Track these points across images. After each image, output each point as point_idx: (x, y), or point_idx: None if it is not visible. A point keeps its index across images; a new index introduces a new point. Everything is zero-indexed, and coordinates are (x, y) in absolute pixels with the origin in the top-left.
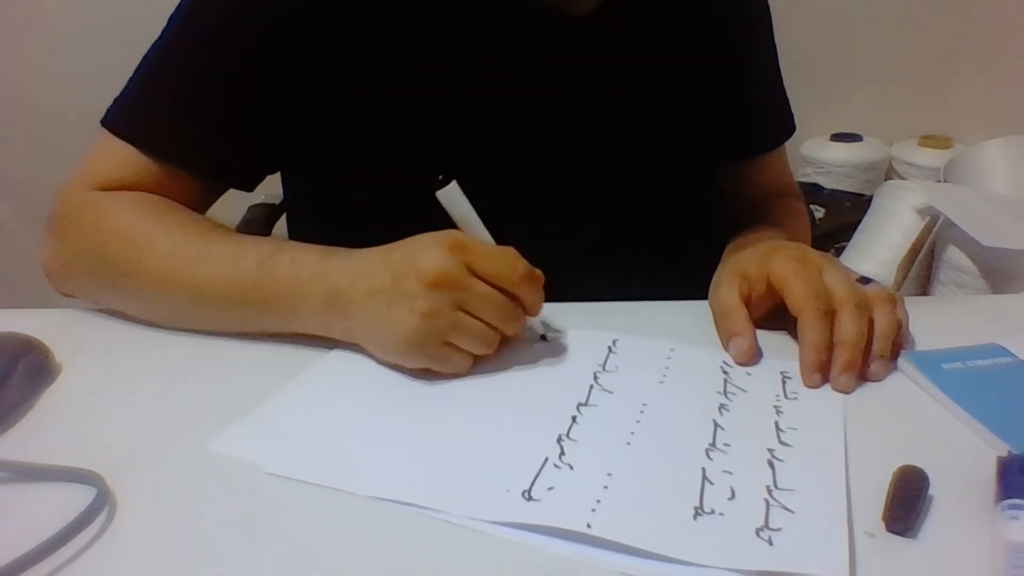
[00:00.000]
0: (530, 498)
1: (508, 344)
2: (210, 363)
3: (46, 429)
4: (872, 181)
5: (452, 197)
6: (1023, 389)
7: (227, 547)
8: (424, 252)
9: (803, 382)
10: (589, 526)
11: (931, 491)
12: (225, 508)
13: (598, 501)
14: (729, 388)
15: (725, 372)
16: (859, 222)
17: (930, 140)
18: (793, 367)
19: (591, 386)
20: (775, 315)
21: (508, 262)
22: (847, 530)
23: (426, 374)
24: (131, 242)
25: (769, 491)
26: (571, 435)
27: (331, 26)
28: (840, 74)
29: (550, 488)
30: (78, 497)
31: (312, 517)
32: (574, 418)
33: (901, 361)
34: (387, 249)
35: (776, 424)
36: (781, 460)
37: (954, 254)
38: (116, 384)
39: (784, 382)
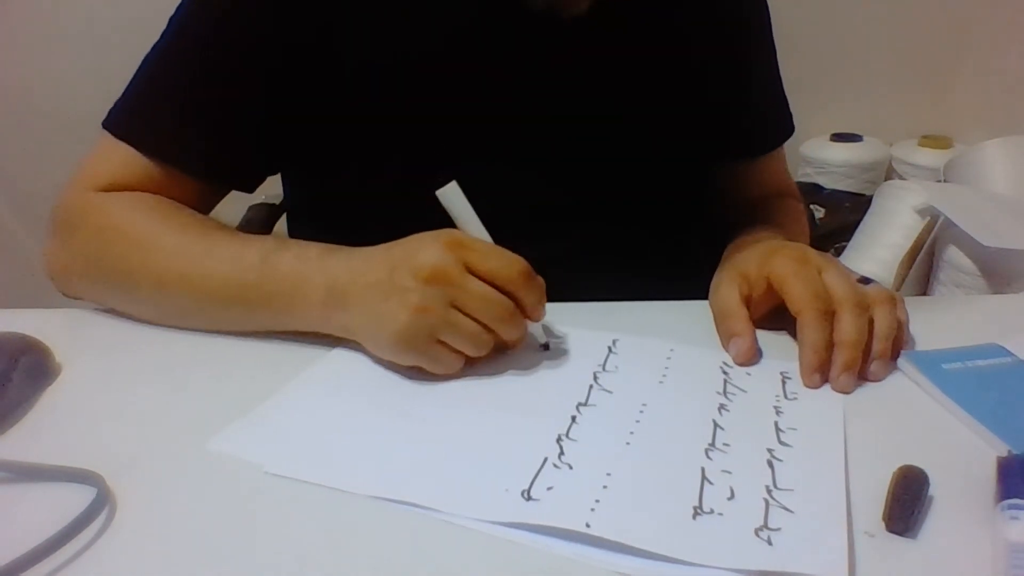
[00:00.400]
0: (529, 498)
1: (508, 352)
2: (210, 363)
3: (46, 429)
4: (872, 181)
5: (452, 197)
6: (1023, 389)
7: (227, 547)
8: (422, 248)
9: (803, 382)
10: (588, 526)
11: (931, 491)
12: (225, 508)
13: (597, 501)
14: (729, 388)
15: (725, 372)
16: (859, 222)
17: (930, 140)
18: (793, 367)
19: (591, 386)
20: (775, 315)
21: (506, 260)
22: (847, 530)
23: (424, 374)
24: (133, 242)
25: (769, 491)
26: (570, 435)
27: (329, 27)
28: (840, 74)
29: (549, 488)
30: (78, 497)
31: (312, 517)
32: (573, 418)
33: (901, 361)
34: (389, 246)
35: (776, 424)
36: (781, 460)
37: (954, 254)
38: (116, 384)
39: (784, 382)
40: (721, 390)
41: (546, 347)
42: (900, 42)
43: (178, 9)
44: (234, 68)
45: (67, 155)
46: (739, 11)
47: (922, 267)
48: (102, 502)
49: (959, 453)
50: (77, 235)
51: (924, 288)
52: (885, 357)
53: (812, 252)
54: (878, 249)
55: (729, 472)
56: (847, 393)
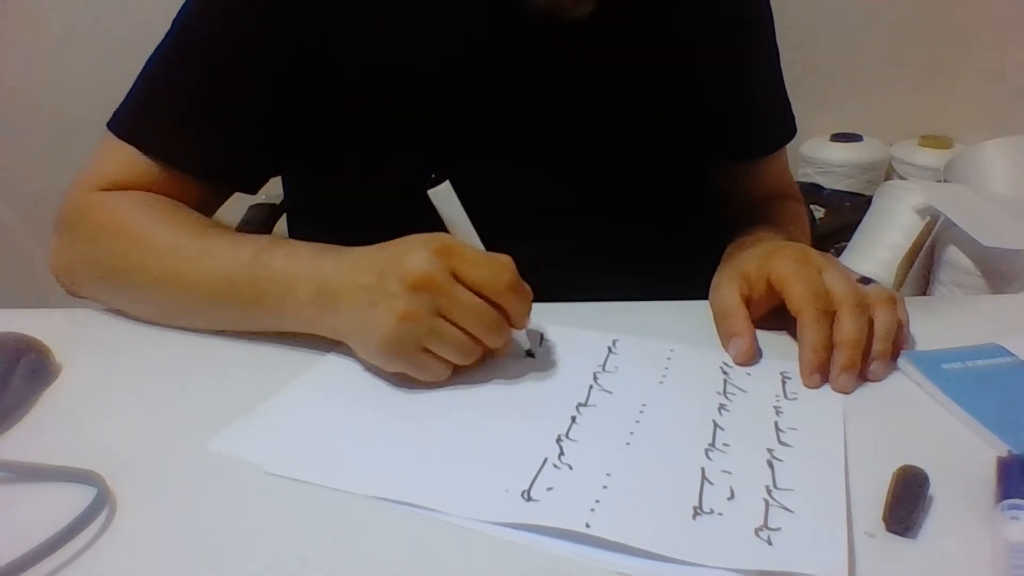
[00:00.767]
0: (529, 498)
1: (491, 359)
2: (210, 363)
3: (46, 429)
4: (872, 181)
5: (444, 197)
6: (1023, 389)
7: (227, 547)
8: (410, 253)
9: (803, 382)
10: (588, 526)
11: (931, 491)
12: (225, 508)
13: (597, 501)
14: (729, 388)
15: (725, 372)
16: (859, 222)
17: (930, 140)
18: (793, 367)
19: (591, 386)
20: (775, 315)
21: (494, 270)
22: (847, 530)
23: (418, 379)
24: (132, 241)
25: (768, 491)
26: (570, 435)
27: (330, 28)
28: (840, 74)
29: (549, 488)
30: (78, 497)
31: (312, 517)
32: (573, 418)
33: (901, 361)
34: (380, 247)
35: (776, 424)
36: (781, 460)
37: (954, 254)
38: (116, 384)
39: (784, 382)
40: (721, 390)
41: (530, 354)
42: (900, 42)
43: (181, 9)
44: (236, 69)
45: (67, 155)
46: (741, 13)
47: (922, 267)
48: (102, 502)
49: (959, 453)
50: (79, 234)
51: (924, 288)
52: (885, 357)
53: (812, 252)
54: (878, 249)
55: (729, 472)
56: (847, 393)
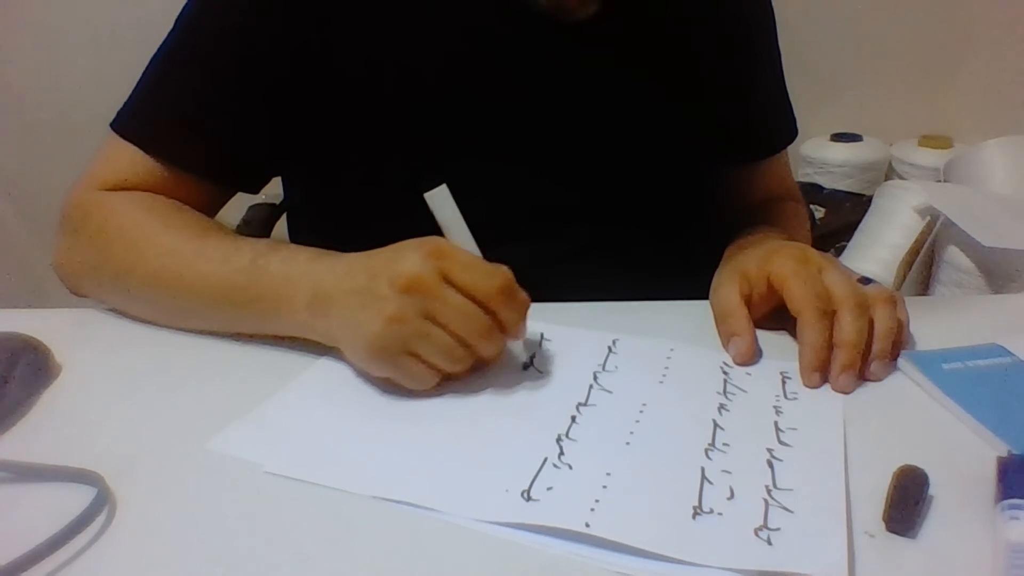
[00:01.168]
0: (529, 498)
1: (485, 370)
2: (210, 363)
3: (46, 429)
4: (872, 181)
5: (440, 201)
6: (1023, 389)
7: (227, 547)
8: (402, 256)
9: (803, 382)
10: (588, 526)
11: (931, 491)
12: (225, 508)
13: (597, 501)
14: (729, 388)
15: (725, 372)
16: (859, 222)
17: (930, 140)
18: (793, 367)
19: (591, 386)
20: (775, 315)
21: (486, 274)
22: (846, 530)
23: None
24: (131, 241)
25: (768, 491)
26: (570, 435)
27: (332, 28)
28: (840, 74)
29: (549, 488)
30: (78, 497)
31: (312, 517)
32: (573, 418)
33: (901, 361)
34: (374, 252)
35: (776, 424)
36: (780, 460)
37: (954, 254)
38: (116, 384)
39: (784, 382)
40: (721, 390)
41: (526, 366)
42: (900, 42)
43: (183, 9)
44: (239, 69)
45: (68, 156)
46: (744, 15)
47: (922, 267)
48: (102, 502)
49: (959, 453)
50: (80, 233)
51: (924, 288)
52: (885, 357)
53: (813, 252)
54: (878, 249)
55: (729, 472)
56: (847, 393)
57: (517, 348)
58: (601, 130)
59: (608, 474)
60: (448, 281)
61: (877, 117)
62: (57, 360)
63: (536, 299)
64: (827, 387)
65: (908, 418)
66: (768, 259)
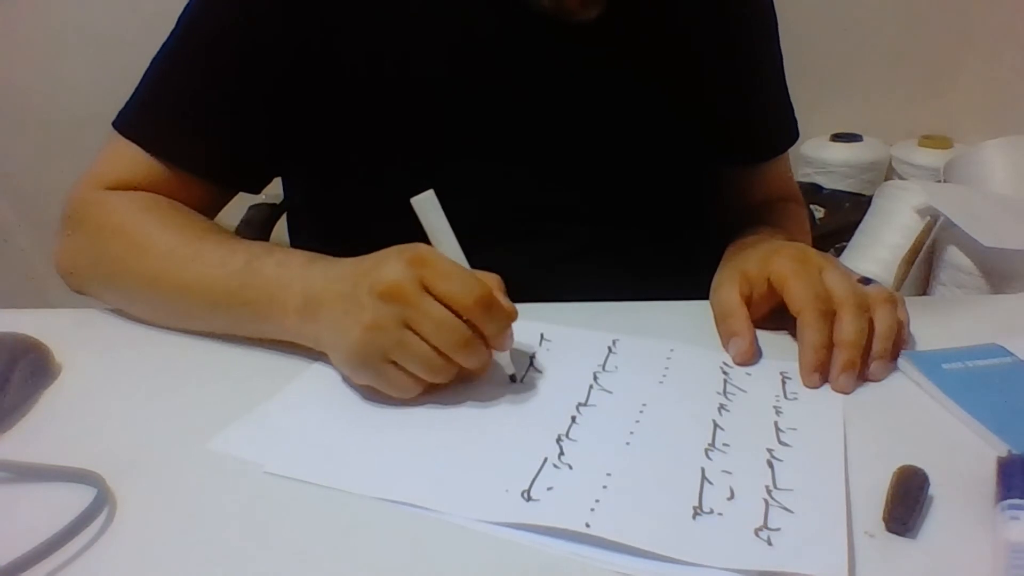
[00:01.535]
0: (529, 498)
1: (470, 381)
2: (210, 363)
3: (46, 429)
4: (872, 181)
5: (427, 207)
6: (1023, 389)
7: (227, 547)
8: (383, 263)
9: (803, 382)
10: (588, 526)
11: (931, 491)
12: (225, 508)
13: (597, 501)
14: (729, 388)
15: (725, 372)
16: (859, 222)
17: (930, 140)
18: (793, 367)
19: (591, 386)
20: (775, 315)
21: (466, 284)
22: (847, 530)
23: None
24: (128, 242)
25: (768, 491)
26: (570, 435)
27: (334, 28)
28: (840, 74)
29: (549, 488)
30: (78, 497)
31: (312, 517)
32: (573, 418)
33: (901, 361)
34: (363, 258)
35: (776, 424)
36: (780, 460)
37: (954, 254)
38: (116, 384)
39: (784, 382)
40: (721, 390)
41: (514, 379)
42: (900, 42)
43: (186, 8)
44: (240, 69)
45: (68, 155)
46: (746, 17)
47: (922, 267)
48: (102, 502)
49: (959, 453)
50: (80, 232)
51: (924, 288)
52: (885, 358)
53: (813, 252)
54: (878, 249)
55: (729, 472)
56: (847, 393)
57: (504, 360)
58: (602, 130)
59: (608, 474)
60: (427, 290)
61: (877, 117)
62: (57, 360)
63: (536, 299)
64: (827, 387)
65: (908, 418)
66: (768, 259)
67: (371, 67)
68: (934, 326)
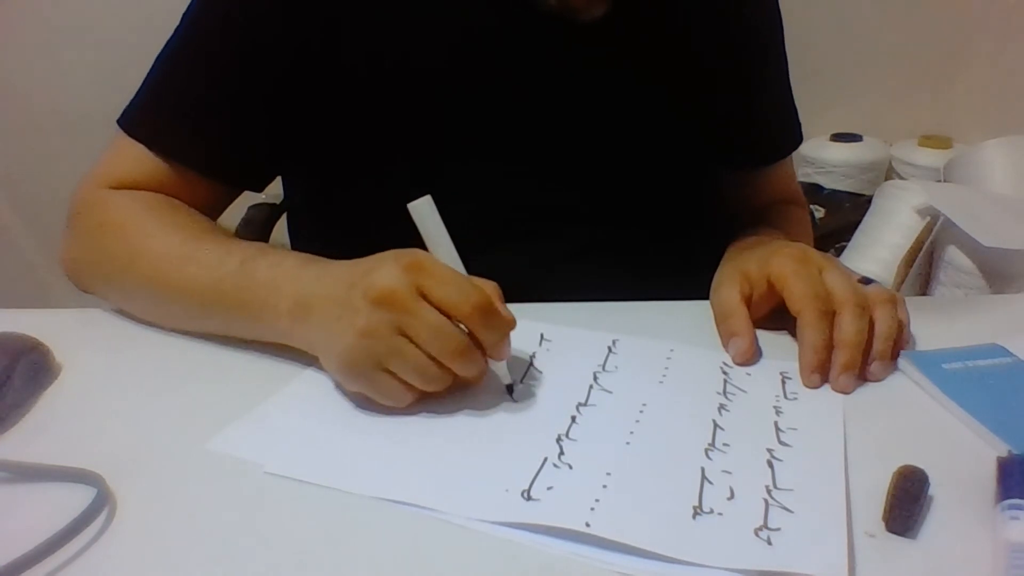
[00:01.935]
0: (529, 498)
1: (466, 389)
2: (210, 363)
3: (46, 429)
4: (872, 181)
5: (423, 212)
6: (1023, 389)
7: (227, 547)
8: (379, 267)
9: (803, 382)
10: (588, 525)
11: (931, 491)
12: (225, 508)
13: (597, 501)
14: (729, 388)
15: (725, 372)
16: (859, 222)
17: (930, 140)
18: (793, 367)
19: (591, 386)
20: (775, 315)
21: (463, 291)
22: (847, 530)
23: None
24: (127, 242)
25: (768, 491)
26: (570, 435)
27: (337, 27)
28: (840, 74)
29: (549, 488)
30: (78, 497)
31: (312, 517)
32: (573, 418)
33: (901, 361)
34: (358, 261)
35: (776, 424)
36: (780, 460)
37: (954, 254)
38: (116, 384)
39: (784, 382)
40: (721, 390)
41: (510, 389)
42: (900, 42)
43: (189, 7)
44: (243, 67)
45: (68, 155)
46: (751, 21)
47: (922, 267)
48: (102, 502)
49: (959, 453)
50: (82, 230)
51: (924, 288)
52: (885, 358)
53: (813, 252)
54: (878, 249)
55: (729, 472)
56: (847, 393)
57: (500, 369)
58: (603, 131)
59: (608, 474)
60: (423, 296)
61: (877, 117)
62: (58, 360)
63: (536, 299)
64: (827, 387)
65: (908, 418)
66: (768, 259)
67: (372, 66)
68: (934, 326)
